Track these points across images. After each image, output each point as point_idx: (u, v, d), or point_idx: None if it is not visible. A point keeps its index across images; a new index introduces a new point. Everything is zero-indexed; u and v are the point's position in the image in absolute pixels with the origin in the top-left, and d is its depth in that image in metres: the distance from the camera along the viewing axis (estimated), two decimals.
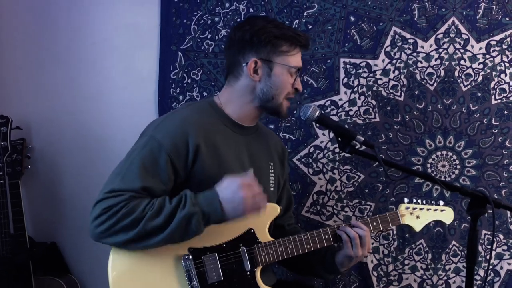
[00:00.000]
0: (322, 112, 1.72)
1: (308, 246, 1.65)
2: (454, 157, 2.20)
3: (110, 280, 1.49)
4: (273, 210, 1.69)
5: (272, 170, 1.80)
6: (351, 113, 2.25)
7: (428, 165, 2.21)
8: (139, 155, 1.53)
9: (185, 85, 2.34)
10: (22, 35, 2.48)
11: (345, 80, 2.25)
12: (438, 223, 2.10)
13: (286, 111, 1.73)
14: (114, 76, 2.43)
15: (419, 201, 1.80)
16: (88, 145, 2.46)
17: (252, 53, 1.65)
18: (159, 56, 2.36)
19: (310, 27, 2.26)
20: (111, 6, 2.40)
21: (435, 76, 2.20)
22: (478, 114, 2.18)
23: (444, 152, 2.20)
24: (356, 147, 1.70)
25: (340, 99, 2.25)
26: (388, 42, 2.21)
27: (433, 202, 1.82)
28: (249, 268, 1.58)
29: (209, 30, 2.32)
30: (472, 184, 2.19)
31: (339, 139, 1.69)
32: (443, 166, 2.21)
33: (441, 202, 1.83)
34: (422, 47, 2.20)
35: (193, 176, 1.58)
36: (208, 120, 1.65)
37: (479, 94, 2.17)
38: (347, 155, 2.25)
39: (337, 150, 2.26)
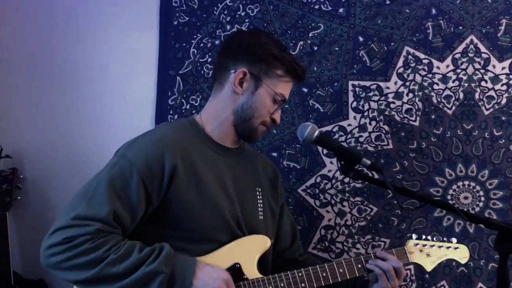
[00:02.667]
0: (322, 131, 1.50)
1: (303, 285, 1.41)
2: (478, 187, 1.93)
3: None
4: (262, 243, 1.47)
5: (260, 197, 1.57)
6: (361, 139, 2.02)
7: (449, 197, 1.94)
8: (107, 175, 1.33)
9: (183, 111, 2.16)
10: (18, 62, 2.37)
11: (354, 104, 2.03)
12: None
13: (258, 138, 1.56)
14: (111, 102, 2.27)
15: (429, 237, 1.56)
16: (83, 175, 2.23)
17: (244, 63, 1.47)
18: (157, 81, 2.20)
19: (315, 48, 2.07)
20: (108, 31, 2.28)
21: (453, 99, 1.96)
22: (504, 140, 1.92)
23: (466, 183, 1.94)
24: (362, 172, 1.46)
25: (349, 125, 2.03)
26: (400, 63, 2.00)
27: (445, 239, 1.56)
28: None
29: (209, 53, 2.15)
30: (499, 218, 1.90)
31: (342, 162, 1.47)
32: (466, 198, 1.94)
33: (454, 240, 1.58)
34: (438, 67, 1.98)
35: (168, 201, 1.37)
36: (187, 139, 1.46)
37: (503, 118, 1.92)
38: (358, 185, 2.01)
39: (346, 180, 2.02)
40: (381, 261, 1.47)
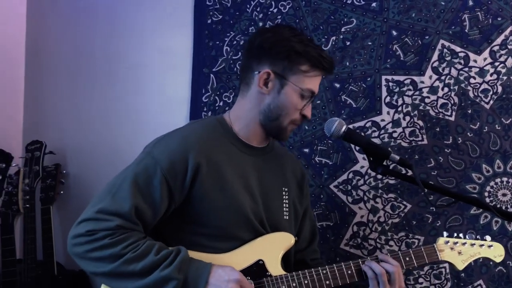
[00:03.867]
0: (349, 127, 1.47)
1: (328, 282, 1.38)
2: None
3: None
4: (286, 240, 1.44)
5: (286, 197, 1.54)
6: (395, 135, 1.96)
7: (486, 194, 1.86)
8: (133, 171, 1.34)
9: (216, 108, 2.17)
10: (61, 64, 2.46)
11: (388, 99, 1.98)
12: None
13: (287, 136, 1.52)
14: (148, 100, 2.32)
15: (461, 235, 1.50)
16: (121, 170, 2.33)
17: (268, 63, 1.44)
18: (191, 79, 2.22)
19: (348, 43, 2.03)
20: (146, 31, 2.32)
21: (491, 93, 1.88)
22: None
23: (505, 179, 1.85)
24: (391, 168, 1.42)
25: (382, 120, 1.98)
26: (435, 57, 1.93)
27: (478, 236, 1.49)
28: None
29: (242, 51, 2.15)
30: None
31: (371, 158, 1.43)
32: (504, 195, 1.85)
33: (488, 237, 1.50)
34: (475, 61, 1.90)
35: (191, 199, 1.37)
36: (213, 137, 1.44)
37: None
38: (391, 181, 1.96)
39: (379, 176, 1.97)
40: (375, 264, 1.40)
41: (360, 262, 1.42)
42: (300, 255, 1.61)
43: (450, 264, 1.49)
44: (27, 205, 2.10)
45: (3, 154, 2.04)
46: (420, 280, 1.91)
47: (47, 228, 2.19)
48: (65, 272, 2.25)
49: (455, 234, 1.50)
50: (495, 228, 1.85)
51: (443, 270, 1.89)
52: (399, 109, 1.97)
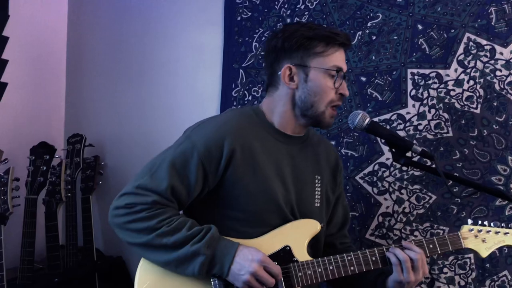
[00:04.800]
0: (373, 119, 1.49)
1: (352, 268, 1.41)
2: None
3: (136, 285, 1.39)
4: (312, 226, 1.48)
5: (319, 185, 1.58)
6: (420, 127, 1.98)
7: (511, 186, 1.86)
8: (172, 153, 1.43)
9: (246, 102, 2.23)
10: (101, 60, 2.57)
11: (413, 92, 1.99)
12: None
13: (329, 121, 1.52)
14: (180, 95, 2.40)
15: (485, 222, 1.49)
16: None
17: (286, 59, 1.48)
18: (222, 75, 2.28)
19: (374, 38, 2.05)
20: (178, 29, 2.40)
21: None
22: None
23: None
24: (413, 160, 1.45)
25: (408, 113, 2.00)
26: (461, 50, 1.93)
27: (503, 224, 1.49)
28: None
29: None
30: None
31: (393, 149, 1.46)
32: None
33: None
34: (501, 53, 1.89)
35: (224, 183, 1.44)
36: (249, 125, 1.50)
37: None
38: (416, 173, 1.97)
39: (404, 168, 1.99)
40: (399, 250, 1.42)
41: (385, 249, 1.44)
42: (330, 238, 1.65)
43: (474, 251, 1.49)
44: (69, 194, 2.22)
45: (47, 147, 2.16)
46: (445, 270, 1.92)
47: (87, 216, 2.30)
48: (103, 258, 2.37)
49: (480, 222, 1.50)
50: None
51: (467, 260, 1.90)
52: (425, 102, 1.98)
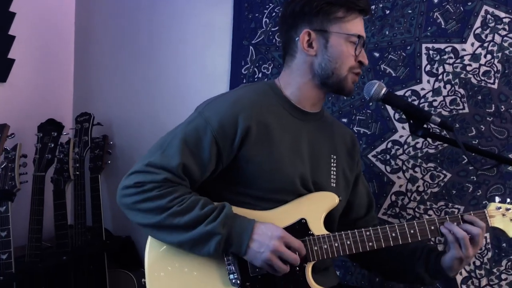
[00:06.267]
0: (390, 90, 1.41)
1: (371, 243, 1.34)
2: None
3: (146, 265, 1.31)
4: (330, 199, 1.40)
5: (334, 164, 1.50)
6: (435, 103, 1.89)
7: None
8: (183, 130, 1.34)
9: (256, 79, 2.15)
10: (109, 39, 2.50)
11: (428, 67, 1.90)
12: None
13: (351, 87, 1.44)
14: (190, 74, 2.32)
15: None
16: None
17: (305, 24, 1.40)
18: (231, 52, 2.21)
19: (387, 12, 1.96)
20: (187, 6, 2.32)
21: None
22: None
23: None
24: (431, 130, 1.37)
25: (423, 89, 1.91)
26: (478, 24, 1.84)
27: None
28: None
29: (278, 27, 2.10)
30: None
31: (411, 121, 1.38)
32: None
33: None
34: None
35: (239, 161, 1.35)
36: (264, 101, 1.41)
37: None
38: (430, 151, 1.89)
39: (418, 145, 1.91)
40: (456, 227, 1.33)
41: (406, 225, 1.37)
42: (362, 222, 1.58)
43: (501, 231, 1.40)
44: (77, 173, 2.16)
45: (55, 123, 2.10)
46: None
47: (96, 195, 2.24)
48: (112, 238, 2.31)
49: (508, 200, 1.41)
50: None
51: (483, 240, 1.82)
52: (440, 77, 1.89)
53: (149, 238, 1.34)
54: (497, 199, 1.44)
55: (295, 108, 1.45)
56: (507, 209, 1.40)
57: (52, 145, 2.03)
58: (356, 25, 1.40)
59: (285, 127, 1.41)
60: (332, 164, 1.51)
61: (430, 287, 1.86)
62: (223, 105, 1.37)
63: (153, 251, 1.33)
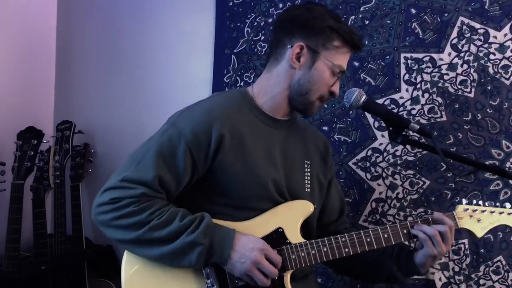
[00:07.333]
0: (369, 97, 1.41)
1: (347, 249, 1.34)
2: None
3: (123, 280, 1.30)
4: (305, 207, 1.40)
5: (308, 169, 1.49)
6: (413, 112, 1.90)
7: (506, 170, 1.78)
8: (157, 142, 1.31)
9: (238, 88, 2.13)
10: (91, 47, 2.47)
11: (407, 76, 1.92)
12: None
13: (315, 111, 1.46)
14: (172, 82, 2.31)
15: (480, 202, 1.43)
16: None
17: (301, 37, 1.39)
18: (213, 60, 2.19)
19: (367, 22, 1.97)
20: (169, 14, 2.31)
21: (511, 69, 1.80)
22: None
23: None
24: (410, 137, 1.37)
25: (401, 97, 1.92)
26: (454, 34, 1.86)
27: (497, 204, 1.43)
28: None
29: (262, 31, 2.12)
30: None
31: (390, 128, 1.38)
32: None
33: (508, 205, 1.44)
34: (495, 37, 1.82)
35: (214, 170, 1.34)
36: (237, 109, 1.40)
37: None
38: (410, 158, 1.90)
39: (398, 153, 1.91)
40: (426, 226, 1.36)
41: (380, 230, 1.38)
42: (334, 226, 1.57)
43: (469, 231, 1.42)
44: (57, 181, 2.11)
45: (35, 131, 2.05)
46: None
47: (76, 204, 2.20)
48: (93, 246, 2.26)
49: (474, 201, 1.44)
50: None
51: (462, 245, 1.83)
52: (418, 86, 1.91)
53: (125, 252, 1.31)
54: (464, 200, 1.46)
55: (266, 116, 1.44)
56: (474, 210, 1.43)
57: (32, 153, 1.98)
58: (343, 59, 1.42)
59: (258, 135, 1.40)
60: (306, 170, 1.50)
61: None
62: (196, 115, 1.35)
63: (129, 265, 1.31)
